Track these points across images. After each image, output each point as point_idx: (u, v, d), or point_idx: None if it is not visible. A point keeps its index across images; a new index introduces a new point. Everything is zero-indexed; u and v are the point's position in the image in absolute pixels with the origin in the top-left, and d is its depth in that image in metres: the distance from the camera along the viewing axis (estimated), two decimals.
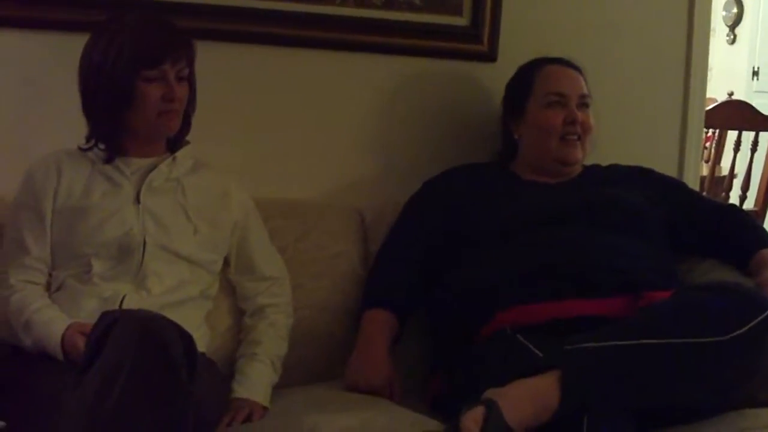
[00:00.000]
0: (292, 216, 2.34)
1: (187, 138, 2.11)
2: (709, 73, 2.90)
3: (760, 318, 1.81)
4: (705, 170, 4.34)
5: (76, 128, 2.04)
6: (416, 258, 2.27)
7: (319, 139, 2.52)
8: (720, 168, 4.61)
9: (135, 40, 1.95)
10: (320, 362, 2.24)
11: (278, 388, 2.04)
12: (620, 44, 2.74)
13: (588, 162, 2.40)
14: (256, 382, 2.00)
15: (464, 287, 2.14)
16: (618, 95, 2.70)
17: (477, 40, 2.60)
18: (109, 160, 2.02)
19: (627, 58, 2.75)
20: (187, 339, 1.62)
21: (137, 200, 2.01)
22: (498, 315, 2.04)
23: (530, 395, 1.73)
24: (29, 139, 2.26)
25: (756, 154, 4.40)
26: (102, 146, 2.02)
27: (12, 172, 2.10)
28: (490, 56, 2.62)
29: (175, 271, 2.00)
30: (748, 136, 4.44)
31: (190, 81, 2.04)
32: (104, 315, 1.66)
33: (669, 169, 2.67)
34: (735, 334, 1.78)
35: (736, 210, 2.57)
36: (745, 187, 4.44)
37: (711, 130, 4.57)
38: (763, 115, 4.47)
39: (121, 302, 1.92)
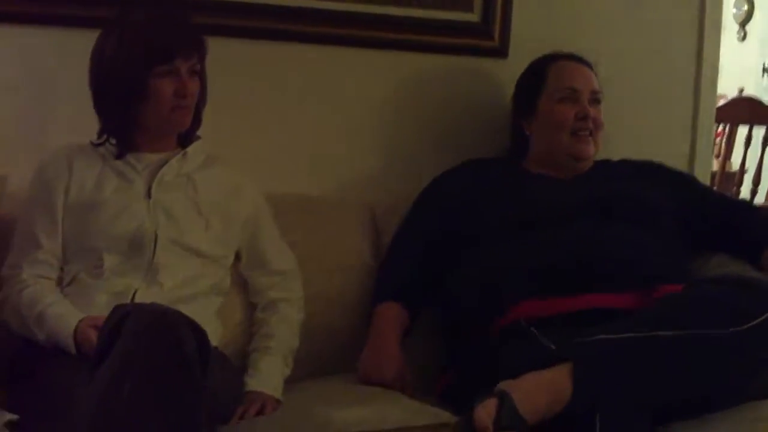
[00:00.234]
0: (303, 211, 2.34)
1: (199, 133, 2.11)
2: (719, 70, 2.90)
3: None
4: (716, 166, 4.33)
5: (84, 123, 2.05)
6: (427, 252, 2.27)
7: (330, 134, 2.52)
8: (730, 163, 4.60)
9: (147, 35, 1.95)
10: (332, 356, 2.24)
11: (290, 382, 2.04)
12: (631, 40, 2.74)
13: (599, 157, 2.40)
14: (268, 375, 2.00)
15: (477, 281, 2.14)
16: (629, 91, 2.70)
17: (488, 36, 2.60)
18: (120, 156, 2.02)
19: (638, 54, 2.74)
20: (200, 333, 1.62)
21: (148, 195, 2.01)
22: (511, 309, 2.04)
23: (543, 387, 1.73)
24: (37, 135, 2.27)
25: (767, 149, 4.39)
26: (113, 141, 2.02)
27: (20, 167, 2.11)
28: (501, 52, 2.62)
29: (187, 266, 2.00)
30: (758, 132, 4.44)
31: (201, 76, 2.05)
32: (116, 309, 1.66)
33: (680, 165, 2.67)
34: (748, 326, 1.78)
35: (748, 205, 2.57)
36: (756, 181, 4.45)
37: (721, 126, 4.56)
38: None
39: (133, 296, 1.92)
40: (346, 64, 2.52)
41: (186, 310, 1.69)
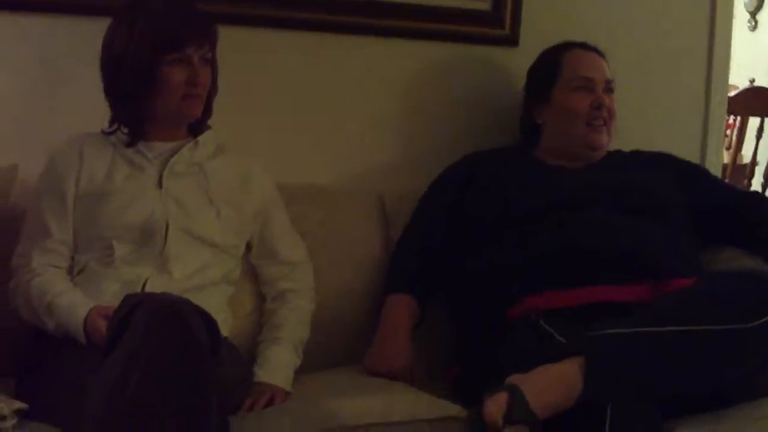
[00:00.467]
0: (314, 201, 2.34)
1: (211, 123, 2.11)
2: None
3: None
4: (727, 158, 4.31)
5: (96, 111, 2.04)
6: (437, 243, 2.27)
7: (341, 124, 2.51)
8: (741, 156, 4.58)
9: (158, 22, 1.94)
10: (341, 347, 2.24)
11: (299, 373, 2.04)
12: (642, 30, 2.73)
13: (610, 148, 2.39)
14: (277, 366, 2.00)
15: (487, 272, 2.14)
16: (641, 81, 2.69)
17: (499, 25, 2.60)
18: (131, 144, 2.02)
19: (649, 44, 2.74)
20: (210, 323, 1.62)
21: (159, 184, 2.00)
22: (520, 300, 2.03)
23: (554, 381, 1.73)
24: (47, 124, 2.27)
25: None
26: (125, 130, 2.02)
27: (31, 156, 2.10)
28: (512, 40, 2.61)
29: (198, 255, 2.00)
30: None
31: (212, 65, 2.04)
32: (127, 298, 1.66)
33: (691, 157, 2.65)
34: (761, 321, 1.77)
35: (760, 197, 2.55)
36: None
37: (732, 118, 4.54)
38: None
39: (144, 286, 1.92)
40: (356, 54, 2.51)
41: (196, 299, 1.69)
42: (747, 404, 1.89)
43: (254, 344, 2.08)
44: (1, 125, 2.27)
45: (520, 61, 2.50)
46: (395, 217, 2.38)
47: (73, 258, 2.00)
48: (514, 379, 1.72)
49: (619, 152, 2.43)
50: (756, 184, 4.51)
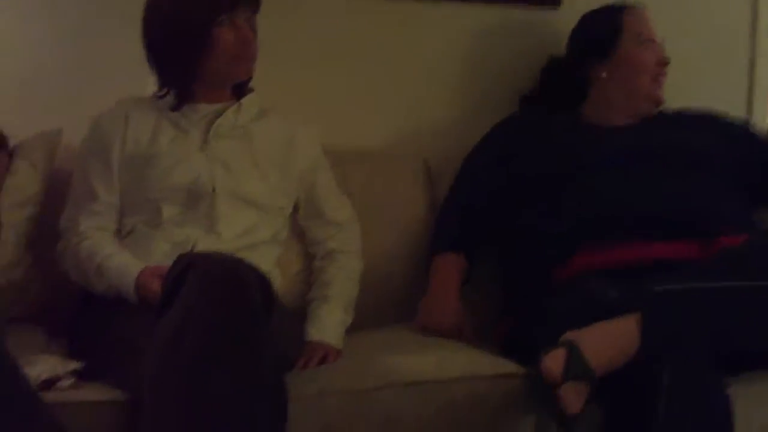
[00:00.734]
0: (358, 163, 2.33)
1: (261, 84, 2.09)
2: None
3: None
4: None
5: (139, 74, 2.04)
6: (484, 202, 2.26)
7: (386, 87, 2.51)
8: None
9: None
10: (387, 309, 2.24)
11: (349, 332, 2.04)
12: None
13: None
14: (328, 324, 2.00)
15: (537, 231, 2.13)
16: (686, 41, 2.63)
17: None
18: (177, 107, 2.01)
19: (695, 2, 2.72)
20: (264, 281, 1.61)
21: (205, 146, 2.00)
22: (572, 259, 2.02)
23: (610, 338, 1.71)
24: (91, 88, 2.28)
25: None
26: (173, 92, 2.00)
27: (75, 120, 2.09)
28: (554, 1, 2.59)
29: (245, 216, 1.99)
30: None
31: (254, 29, 2.02)
32: (181, 257, 1.66)
33: (737, 114, 2.62)
34: None
35: None
36: None
37: None
38: None
39: (193, 246, 1.92)
40: (401, 17, 2.51)
41: (247, 258, 1.67)
42: None
43: (303, 304, 2.08)
44: (45, 90, 2.29)
45: (561, 22, 2.48)
46: (440, 180, 2.38)
47: (120, 221, 1.99)
48: (571, 335, 1.71)
49: (665, 111, 2.40)
50: None
